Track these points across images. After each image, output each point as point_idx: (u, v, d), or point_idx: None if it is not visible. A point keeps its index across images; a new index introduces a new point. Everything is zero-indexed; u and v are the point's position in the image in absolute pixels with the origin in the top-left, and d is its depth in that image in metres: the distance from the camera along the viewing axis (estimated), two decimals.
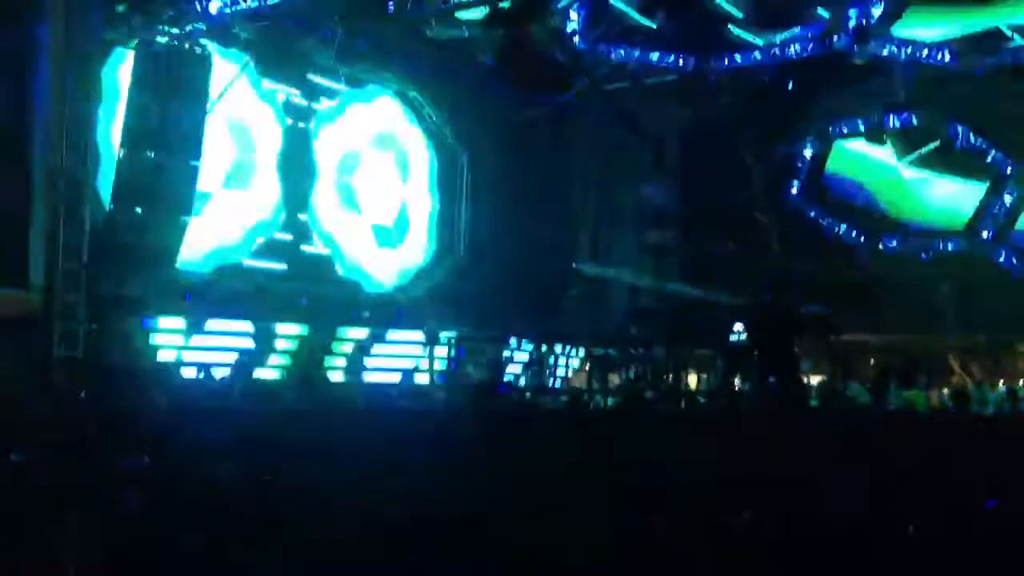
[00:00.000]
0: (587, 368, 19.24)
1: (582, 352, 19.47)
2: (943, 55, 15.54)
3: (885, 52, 15.55)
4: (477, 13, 14.67)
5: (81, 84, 12.60)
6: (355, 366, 16.55)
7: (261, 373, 14.90)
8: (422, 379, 16.85)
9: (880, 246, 18.90)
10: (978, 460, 7.03)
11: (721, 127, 18.79)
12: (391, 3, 14.09)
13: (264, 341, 15.38)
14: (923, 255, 18.44)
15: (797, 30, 15.92)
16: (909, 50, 15.59)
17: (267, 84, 16.44)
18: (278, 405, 11.40)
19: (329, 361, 16.16)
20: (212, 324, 14.67)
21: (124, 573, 5.08)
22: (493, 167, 19.14)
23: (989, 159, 17.65)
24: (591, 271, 19.72)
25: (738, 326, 14.52)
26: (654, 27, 16.09)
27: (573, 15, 15.71)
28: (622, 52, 16.64)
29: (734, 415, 11.47)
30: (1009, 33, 15.41)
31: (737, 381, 15.06)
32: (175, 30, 13.09)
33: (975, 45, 15.55)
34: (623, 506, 5.77)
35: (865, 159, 18.87)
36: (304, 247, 16.98)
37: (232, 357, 14.50)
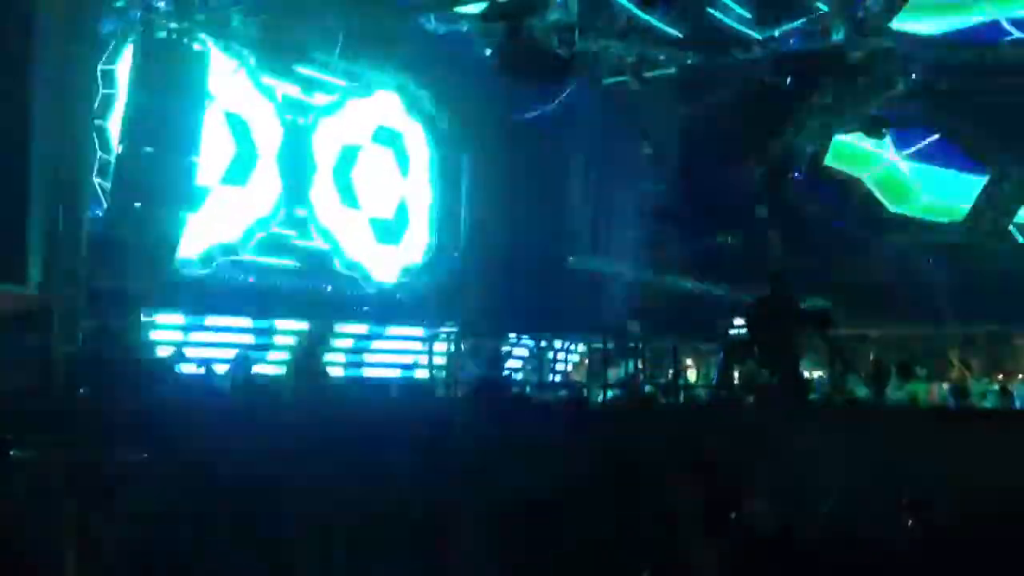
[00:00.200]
0: (586, 362, 19.26)
1: (581, 347, 19.49)
2: (941, 49, 15.55)
3: (884, 46, 15.55)
4: (476, 7, 14.66)
5: (80, 79, 12.58)
6: (355, 361, 16.56)
7: (261, 368, 14.88)
8: (421, 374, 16.85)
9: (879, 240, 18.89)
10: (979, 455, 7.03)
11: (720, 121, 18.78)
12: None
13: (264, 336, 15.37)
14: (922, 248, 18.44)
15: (796, 24, 15.91)
16: (907, 44, 15.59)
17: (266, 79, 16.41)
18: (278, 400, 11.39)
19: (328, 356, 16.14)
20: (211, 320, 14.67)
21: (125, 568, 5.08)
22: (492, 161, 19.11)
23: (987, 152, 17.64)
24: (590, 265, 19.71)
25: (737, 320, 14.53)
26: (653, 22, 16.09)
27: (572, 8, 15.69)
28: (621, 46, 16.63)
29: (734, 409, 11.47)
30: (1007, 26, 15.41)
31: (736, 375, 15.06)
32: (174, 25, 13.06)
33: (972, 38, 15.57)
34: (624, 501, 5.77)
35: (863, 153, 18.87)
36: (303, 242, 16.96)
37: (232, 353, 14.48)
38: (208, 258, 15.48)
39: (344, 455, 6.64)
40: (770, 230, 19.04)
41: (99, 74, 13.50)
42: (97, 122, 13.31)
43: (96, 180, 13.29)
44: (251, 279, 15.82)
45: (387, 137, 18.55)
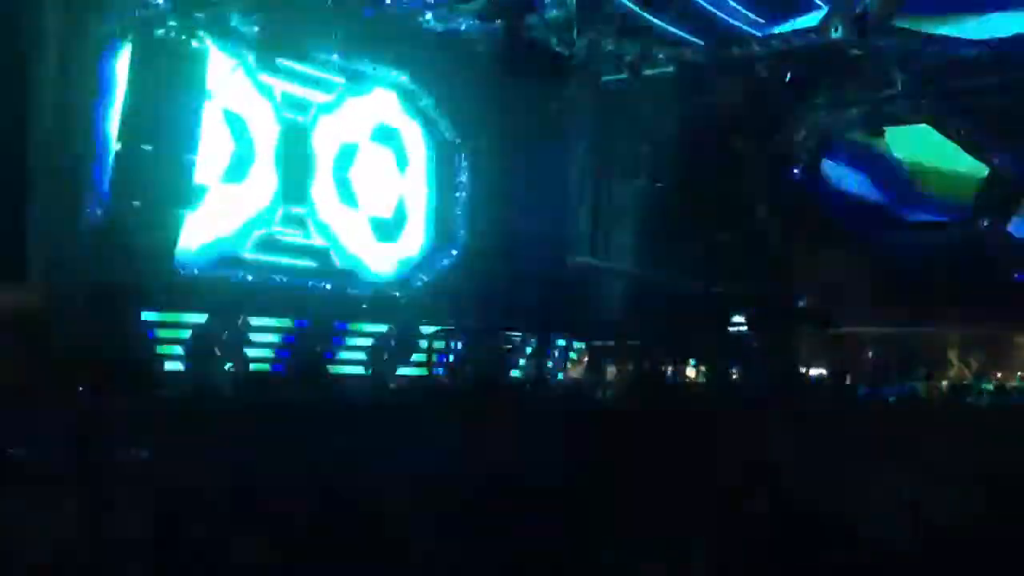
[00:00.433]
0: (586, 360, 19.26)
1: (581, 344, 19.48)
2: (941, 46, 15.54)
3: (884, 43, 15.54)
4: (475, 4, 14.66)
5: (79, 78, 12.56)
6: (354, 359, 16.55)
7: (261, 366, 14.88)
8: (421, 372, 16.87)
9: (879, 236, 18.88)
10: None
11: (720, 118, 18.77)
12: None
13: (264, 334, 15.37)
14: (921, 244, 18.43)
15: (796, 20, 15.91)
16: (908, 40, 15.58)
17: (264, 77, 16.37)
18: (278, 398, 11.40)
19: (328, 354, 16.14)
20: (211, 318, 14.63)
21: (124, 567, 5.08)
22: (491, 159, 19.09)
23: (987, 150, 17.62)
24: (590, 262, 19.70)
25: (738, 317, 14.56)
26: (652, 19, 16.08)
27: (571, 5, 15.69)
28: (620, 43, 16.63)
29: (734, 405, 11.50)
30: None
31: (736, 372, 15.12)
32: (173, 23, 13.04)
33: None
34: (625, 497, 5.78)
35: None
36: (302, 241, 16.94)
37: (232, 351, 14.47)
38: (207, 256, 15.45)
39: (343, 453, 6.64)
40: (770, 228, 19.05)
41: (98, 72, 13.46)
42: (96, 120, 13.27)
43: (95, 178, 13.26)
44: (249, 277, 15.78)
45: (385, 135, 18.51)
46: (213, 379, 13.12)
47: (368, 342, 16.90)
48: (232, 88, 15.46)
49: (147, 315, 13.91)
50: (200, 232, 14.97)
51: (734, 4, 16.00)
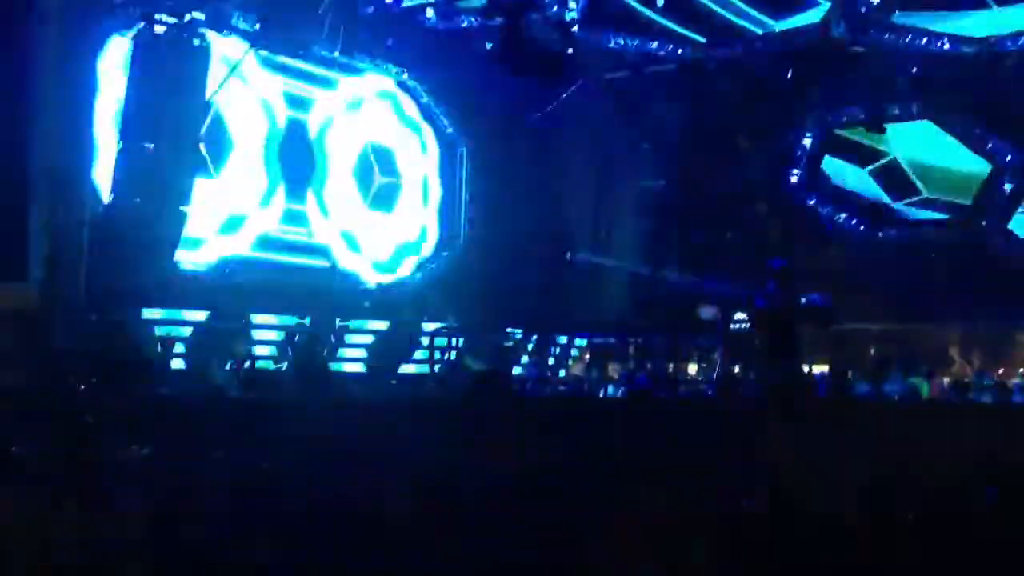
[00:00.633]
0: (587, 357, 19.28)
1: (583, 341, 19.50)
2: (943, 42, 15.51)
3: (885, 39, 15.52)
4: (476, 1, 14.64)
5: (79, 75, 12.55)
6: (355, 356, 16.56)
7: (262, 364, 14.88)
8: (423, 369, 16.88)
9: (879, 235, 18.86)
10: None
11: (721, 116, 18.75)
12: None
13: (266, 332, 15.38)
14: (921, 243, 18.41)
15: (797, 18, 15.89)
16: (909, 38, 15.55)
17: (265, 74, 16.38)
18: (280, 396, 11.41)
19: (329, 352, 16.15)
20: (211, 316, 14.64)
21: (124, 566, 5.08)
22: (493, 156, 19.10)
23: (989, 147, 17.59)
24: (591, 260, 19.71)
25: (739, 315, 14.56)
26: (654, 16, 16.07)
27: (572, 3, 15.66)
28: (622, 41, 16.60)
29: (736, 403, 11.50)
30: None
31: (737, 370, 15.12)
32: (173, 20, 13.03)
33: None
34: (625, 495, 5.78)
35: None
36: (303, 238, 16.95)
37: (232, 349, 14.48)
38: (208, 254, 15.45)
39: (344, 450, 6.64)
40: (770, 225, 19.04)
41: (99, 70, 13.45)
42: (97, 118, 13.27)
43: (96, 176, 13.26)
44: (250, 275, 15.79)
45: (386, 133, 18.51)
46: (213, 377, 13.08)
47: (369, 339, 16.95)
48: (233, 86, 15.44)
49: (147, 313, 13.94)
50: (201, 230, 14.99)
51: (735, 1, 15.98)
